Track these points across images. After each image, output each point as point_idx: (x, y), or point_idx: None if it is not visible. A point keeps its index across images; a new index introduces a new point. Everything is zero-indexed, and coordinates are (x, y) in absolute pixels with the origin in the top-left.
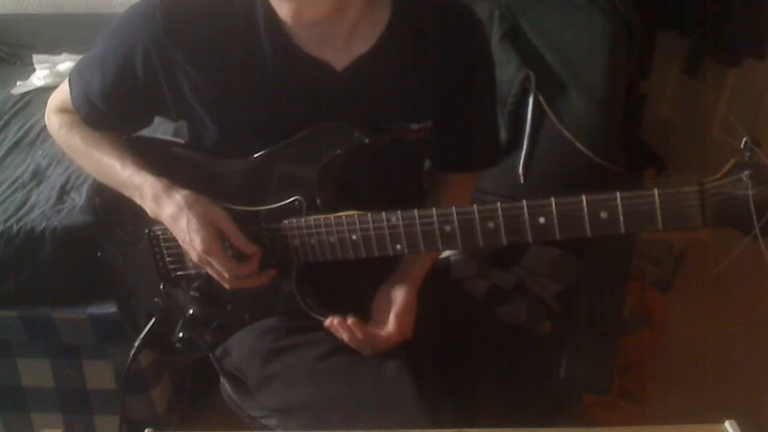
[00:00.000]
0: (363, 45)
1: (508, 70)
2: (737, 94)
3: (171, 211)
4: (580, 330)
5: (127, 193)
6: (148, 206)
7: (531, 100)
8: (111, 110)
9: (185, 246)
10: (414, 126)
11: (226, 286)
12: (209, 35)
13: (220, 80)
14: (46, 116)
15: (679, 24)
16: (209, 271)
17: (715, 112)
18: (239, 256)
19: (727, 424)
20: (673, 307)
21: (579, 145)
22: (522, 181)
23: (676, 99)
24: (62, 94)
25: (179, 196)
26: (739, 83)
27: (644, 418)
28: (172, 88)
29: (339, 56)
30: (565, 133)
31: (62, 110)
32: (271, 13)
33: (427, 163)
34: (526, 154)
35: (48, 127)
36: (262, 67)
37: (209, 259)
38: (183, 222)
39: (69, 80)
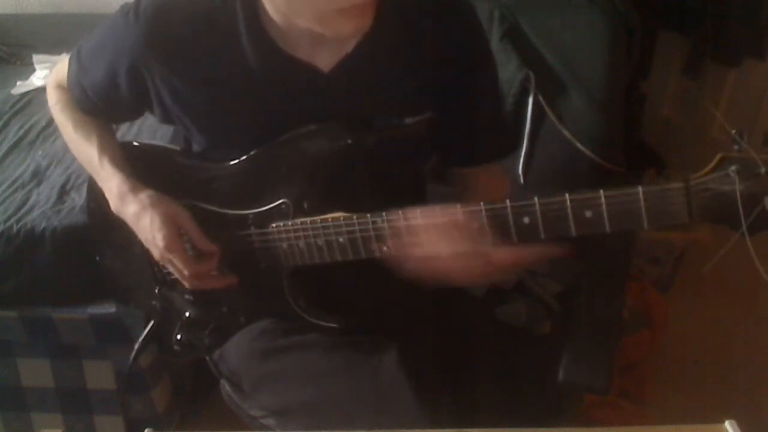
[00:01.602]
0: (348, 44)
1: (508, 70)
2: (737, 94)
3: (135, 209)
4: (580, 330)
5: (99, 183)
6: (113, 203)
7: (531, 100)
8: (99, 102)
9: (148, 244)
10: (409, 120)
11: (186, 284)
12: (192, 45)
13: (204, 89)
14: (47, 86)
15: (679, 24)
16: (170, 268)
17: (715, 112)
18: (199, 256)
19: (727, 424)
20: (673, 307)
21: (579, 145)
22: (522, 181)
23: (676, 99)
24: (64, 69)
25: (144, 195)
26: (739, 83)
27: (644, 418)
28: (157, 96)
29: (325, 57)
30: (565, 133)
31: (61, 86)
32: (252, 18)
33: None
34: (525, 154)
35: (47, 98)
36: (245, 73)
37: (170, 257)
38: (146, 220)
39: (70, 58)
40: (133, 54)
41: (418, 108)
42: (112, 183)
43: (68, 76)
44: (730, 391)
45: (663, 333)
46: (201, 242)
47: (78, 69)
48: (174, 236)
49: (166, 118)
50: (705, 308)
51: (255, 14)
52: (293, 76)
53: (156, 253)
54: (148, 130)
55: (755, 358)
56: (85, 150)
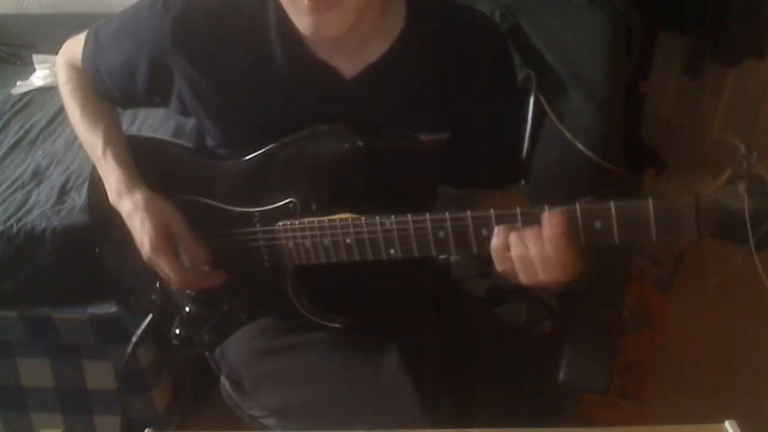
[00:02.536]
0: (374, 52)
1: None
2: (737, 94)
3: (128, 208)
4: (580, 330)
5: (100, 173)
6: (111, 196)
7: (531, 100)
8: (113, 86)
9: (137, 244)
10: (423, 137)
11: (173, 287)
12: (218, 42)
13: (226, 85)
14: (58, 60)
15: (679, 24)
16: (158, 270)
17: (715, 113)
18: (192, 259)
19: (727, 424)
20: (673, 307)
21: (579, 145)
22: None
23: (676, 99)
24: (78, 47)
25: (138, 195)
26: (739, 83)
27: (644, 418)
28: (176, 89)
29: (349, 63)
30: (565, 133)
31: (73, 65)
32: (283, 17)
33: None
34: (526, 154)
35: (57, 74)
36: (270, 70)
37: (156, 260)
38: (137, 221)
39: (86, 37)
40: (158, 45)
41: (434, 126)
42: (111, 177)
43: (83, 57)
44: (730, 391)
45: (663, 333)
46: (191, 248)
47: (95, 51)
48: (161, 242)
49: (183, 110)
50: (705, 308)
51: (286, 13)
52: (316, 78)
53: (144, 254)
54: (148, 130)
55: (755, 358)
56: (90, 139)
